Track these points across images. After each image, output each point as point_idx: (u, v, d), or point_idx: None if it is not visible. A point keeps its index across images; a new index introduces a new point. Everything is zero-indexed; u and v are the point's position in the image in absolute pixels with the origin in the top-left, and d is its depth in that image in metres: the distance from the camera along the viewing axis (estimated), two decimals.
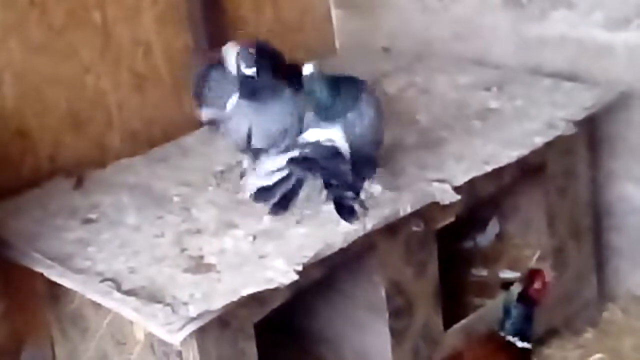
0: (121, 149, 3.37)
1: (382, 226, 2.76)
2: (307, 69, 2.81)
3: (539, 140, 3.06)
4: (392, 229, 2.82)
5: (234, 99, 2.94)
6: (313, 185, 2.78)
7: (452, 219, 2.99)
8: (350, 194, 2.69)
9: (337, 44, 3.97)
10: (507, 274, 3.38)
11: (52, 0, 3.22)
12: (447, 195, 2.85)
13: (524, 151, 3.01)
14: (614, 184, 3.44)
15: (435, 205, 2.86)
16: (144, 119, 3.44)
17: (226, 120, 2.97)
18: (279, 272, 2.58)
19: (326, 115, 2.80)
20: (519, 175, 3.14)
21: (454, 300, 3.20)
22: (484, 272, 3.43)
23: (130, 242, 2.81)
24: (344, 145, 2.77)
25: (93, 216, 2.96)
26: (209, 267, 2.65)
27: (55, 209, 3.01)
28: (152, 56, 3.47)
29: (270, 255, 2.65)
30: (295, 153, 2.79)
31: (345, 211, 2.69)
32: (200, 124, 3.44)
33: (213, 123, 3.05)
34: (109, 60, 3.37)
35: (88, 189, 3.12)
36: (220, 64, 3.07)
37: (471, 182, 2.91)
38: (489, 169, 2.95)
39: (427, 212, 2.88)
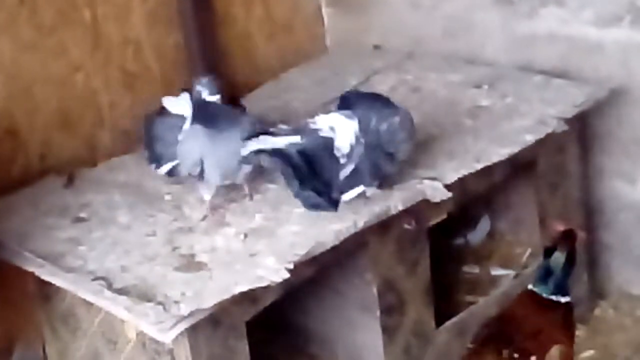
0: (112, 148, 3.37)
1: (373, 224, 2.76)
2: None
3: (530, 138, 3.06)
4: (383, 226, 2.82)
5: (186, 124, 2.90)
6: None
7: (443, 217, 3.00)
8: (320, 199, 2.70)
9: (327, 42, 3.96)
10: (498, 271, 3.38)
11: None
12: (438, 193, 2.85)
13: (514, 148, 3.02)
14: (604, 181, 3.45)
15: (426, 202, 2.86)
16: (134, 118, 3.42)
17: (180, 145, 2.90)
18: (271, 270, 2.58)
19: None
20: (510, 172, 3.14)
21: (445, 297, 3.21)
22: (475, 270, 3.43)
23: (121, 240, 2.80)
24: (346, 139, 2.78)
25: (84, 215, 2.96)
26: (201, 266, 2.65)
27: (46, 208, 3.00)
28: (142, 54, 3.46)
29: (261, 254, 2.65)
30: (290, 139, 2.78)
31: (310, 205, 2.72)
32: None
33: (173, 173, 2.96)
34: (99, 58, 3.36)
35: (79, 187, 3.11)
36: (161, 113, 3.01)
37: (462, 180, 2.91)
38: (479, 166, 2.95)
39: (419, 209, 2.88)
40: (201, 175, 2.85)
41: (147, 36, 3.47)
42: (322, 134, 2.80)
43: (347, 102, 2.89)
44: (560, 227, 2.69)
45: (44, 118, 3.27)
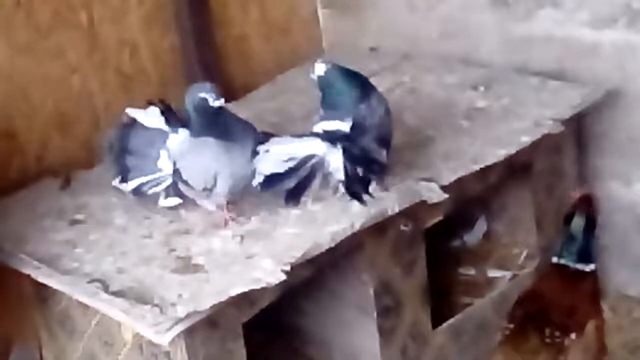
0: None
1: (370, 225, 2.76)
2: (320, 69, 2.85)
3: (526, 139, 3.06)
4: (380, 228, 2.82)
5: (179, 136, 2.81)
6: (323, 178, 2.78)
7: (439, 218, 3.00)
8: (371, 175, 2.73)
9: (324, 44, 3.97)
10: (495, 273, 3.38)
11: (38, 1, 3.22)
12: (434, 194, 2.85)
13: (511, 150, 3.02)
14: (600, 182, 3.44)
15: (423, 204, 2.86)
16: None
17: (183, 159, 2.80)
18: (267, 272, 2.58)
19: (338, 110, 2.84)
20: (506, 174, 3.14)
21: (442, 299, 3.20)
22: (472, 271, 3.43)
23: (118, 242, 2.80)
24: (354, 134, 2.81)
25: (81, 217, 2.96)
26: (197, 268, 2.65)
27: (43, 210, 3.00)
28: (138, 56, 3.46)
29: (258, 256, 2.65)
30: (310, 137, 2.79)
31: (359, 191, 2.71)
32: None
33: (140, 191, 2.90)
34: (95, 60, 3.37)
35: (75, 189, 3.11)
36: (130, 125, 2.92)
37: (459, 181, 2.91)
38: (476, 167, 2.95)
39: (415, 211, 2.88)
40: (211, 189, 2.76)
41: (143, 38, 3.47)
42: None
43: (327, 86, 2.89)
44: (578, 194, 2.69)
45: (40, 120, 3.27)
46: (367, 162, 2.78)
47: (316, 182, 2.76)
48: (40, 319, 3.07)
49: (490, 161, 2.98)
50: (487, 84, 3.42)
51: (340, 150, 2.74)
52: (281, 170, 2.74)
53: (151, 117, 2.89)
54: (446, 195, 2.86)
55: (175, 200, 2.88)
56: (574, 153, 3.35)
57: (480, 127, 3.18)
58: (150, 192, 2.90)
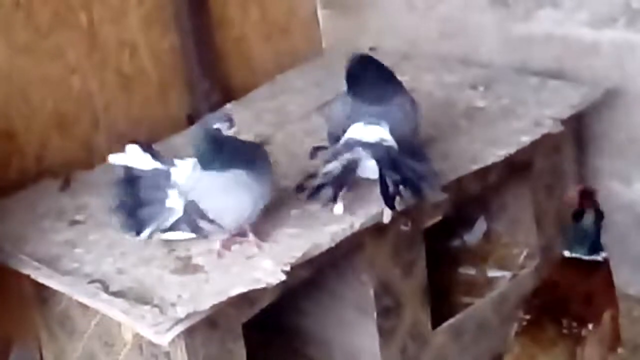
0: (108, 150, 3.35)
1: (369, 225, 2.76)
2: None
3: (526, 139, 3.06)
4: (379, 228, 2.82)
5: (183, 169, 2.67)
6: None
7: (439, 218, 3.00)
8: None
9: (323, 45, 3.97)
10: (495, 273, 3.38)
11: (38, 1, 3.22)
12: (434, 194, 2.85)
13: (510, 150, 3.02)
14: (600, 182, 3.44)
15: (422, 204, 2.86)
16: (130, 120, 3.43)
17: (208, 197, 2.65)
18: (267, 272, 2.58)
19: (370, 103, 2.82)
20: (506, 173, 3.15)
21: (442, 299, 3.20)
22: (471, 271, 3.43)
23: (118, 243, 2.80)
24: (395, 144, 2.78)
25: (80, 217, 2.96)
26: (197, 268, 2.65)
27: (43, 210, 3.00)
28: (138, 57, 3.46)
29: (258, 256, 2.65)
30: (356, 153, 2.74)
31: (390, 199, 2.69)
32: (187, 124, 3.45)
33: (152, 236, 2.73)
34: (95, 61, 3.37)
35: (75, 190, 3.11)
36: (130, 176, 2.75)
37: (458, 181, 2.91)
38: (475, 167, 2.95)
39: (415, 211, 2.88)
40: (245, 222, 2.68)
41: (143, 39, 3.47)
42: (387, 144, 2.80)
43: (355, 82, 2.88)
44: (575, 192, 2.70)
45: (40, 120, 3.27)
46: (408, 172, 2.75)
47: (349, 183, 2.74)
48: (40, 319, 3.07)
49: (489, 161, 2.98)
50: (486, 83, 3.42)
51: (381, 162, 2.71)
52: (325, 181, 2.71)
53: (136, 157, 2.75)
54: (446, 195, 2.86)
55: (180, 235, 2.74)
56: (574, 152, 3.35)
57: (480, 126, 3.18)
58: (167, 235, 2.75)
